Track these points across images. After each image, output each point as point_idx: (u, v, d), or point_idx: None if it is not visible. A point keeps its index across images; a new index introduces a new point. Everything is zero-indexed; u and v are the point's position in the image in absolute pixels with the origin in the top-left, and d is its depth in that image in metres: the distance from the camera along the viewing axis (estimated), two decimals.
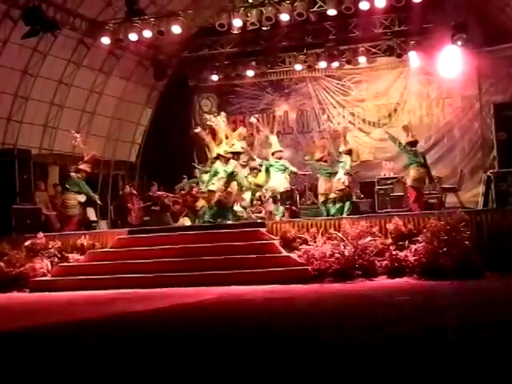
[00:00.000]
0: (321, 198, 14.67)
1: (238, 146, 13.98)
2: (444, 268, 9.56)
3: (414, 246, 10.30)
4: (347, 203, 13.96)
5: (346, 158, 14.21)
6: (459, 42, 16.70)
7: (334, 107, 19.33)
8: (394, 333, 5.27)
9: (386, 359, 4.23)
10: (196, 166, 15.55)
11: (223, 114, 15.06)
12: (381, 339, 4.94)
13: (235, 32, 16.65)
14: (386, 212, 14.14)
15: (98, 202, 15.99)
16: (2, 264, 12.49)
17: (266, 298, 8.82)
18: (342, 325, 5.91)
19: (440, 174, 16.54)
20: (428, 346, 4.59)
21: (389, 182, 16.10)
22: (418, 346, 4.63)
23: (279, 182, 14.49)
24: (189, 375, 4.17)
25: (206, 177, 14.12)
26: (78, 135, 15.03)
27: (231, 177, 13.46)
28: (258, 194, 14.87)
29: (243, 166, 14.43)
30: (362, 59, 18.24)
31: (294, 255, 10.97)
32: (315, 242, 11.03)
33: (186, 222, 16.22)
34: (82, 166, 14.57)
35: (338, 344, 4.93)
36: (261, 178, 14.60)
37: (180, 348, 5.21)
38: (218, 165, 13.64)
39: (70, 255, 12.68)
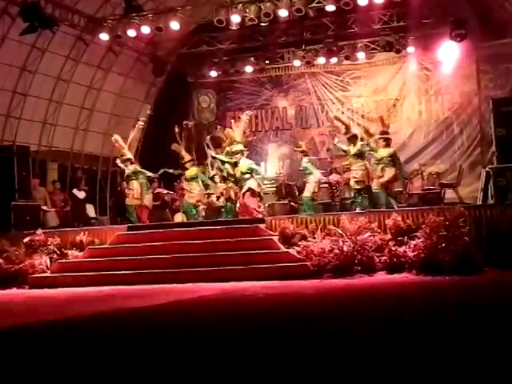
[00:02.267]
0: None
1: None
2: (443, 263, 9.56)
3: (412, 242, 10.31)
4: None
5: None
6: (458, 38, 16.70)
7: (333, 103, 19.32)
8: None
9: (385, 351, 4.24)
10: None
11: None
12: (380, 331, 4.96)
13: (234, 28, 16.64)
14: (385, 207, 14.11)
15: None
16: (1, 261, 12.51)
17: (265, 293, 8.83)
18: (343, 318, 5.92)
19: (439, 170, 16.56)
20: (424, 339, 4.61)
21: None
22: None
23: None
24: (189, 371, 4.17)
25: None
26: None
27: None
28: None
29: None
30: (361, 55, 18.21)
31: (292, 251, 10.97)
32: (314, 237, 11.04)
33: (183, 218, 16.21)
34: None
35: (339, 338, 4.94)
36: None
37: (180, 344, 5.21)
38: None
39: (69, 252, 12.71)
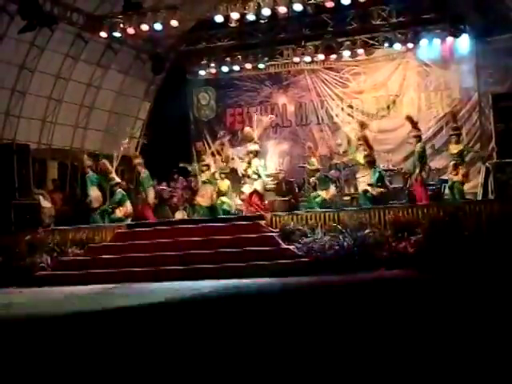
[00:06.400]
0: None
1: None
2: (442, 259, 9.57)
3: (413, 238, 10.32)
4: None
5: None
6: (457, 33, 16.71)
7: (333, 99, 19.28)
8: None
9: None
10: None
11: None
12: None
13: (233, 25, 16.61)
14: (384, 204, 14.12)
15: None
16: (1, 259, 12.52)
17: (265, 290, 8.84)
18: (340, 313, 5.93)
19: (439, 166, 16.52)
20: None
21: (388, 173, 16.07)
22: None
23: None
24: (189, 369, 4.19)
25: None
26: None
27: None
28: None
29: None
30: (360, 51, 18.19)
31: (293, 247, 10.98)
32: (314, 234, 11.05)
33: (184, 215, 16.24)
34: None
35: (337, 333, 4.95)
36: None
37: (180, 341, 5.22)
38: None
39: (70, 249, 12.72)
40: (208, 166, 14.95)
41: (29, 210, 14.46)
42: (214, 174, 14.84)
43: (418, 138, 14.01)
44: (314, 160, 15.83)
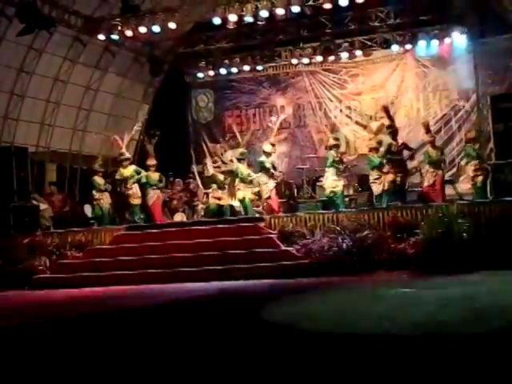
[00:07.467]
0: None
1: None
2: (442, 260, 9.56)
3: (412, 239, 10.31)
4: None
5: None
6: (456, 34, 16.73)
7: (331, 101, 19.30)
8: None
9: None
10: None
11: None
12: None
13: (231, 27, 16.63)
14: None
15: None
16: (1, 262, 12.51)
17: (265, 291, 8.84)
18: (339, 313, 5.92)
19: None
20: None
21: None
22: None
23: None
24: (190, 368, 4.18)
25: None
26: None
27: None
28: (256, 189, 14.70)
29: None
30: (359, 52, 18.22)
31: (292, 249, 10.98)
32: (313, 235, 11.05)
33: (183, 217, 16.23)
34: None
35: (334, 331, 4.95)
36: None
37: (181, 340, 5.22)
38: None
39: (69, 252, 12.71)
40: (220, 167, 14.83)
41: (27, 212, 14.45)
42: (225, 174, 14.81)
43: (432, 143, 13.81)
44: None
